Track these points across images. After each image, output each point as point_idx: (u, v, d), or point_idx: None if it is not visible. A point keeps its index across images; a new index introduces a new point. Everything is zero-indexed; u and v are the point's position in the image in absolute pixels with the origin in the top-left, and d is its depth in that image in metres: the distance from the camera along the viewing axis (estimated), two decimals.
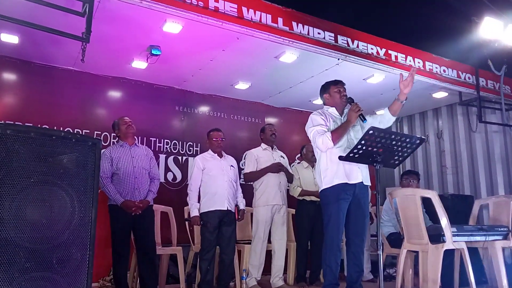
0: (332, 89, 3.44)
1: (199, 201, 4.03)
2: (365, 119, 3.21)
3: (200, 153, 4.50)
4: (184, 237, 4.45)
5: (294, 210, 4.86)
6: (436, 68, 5.18)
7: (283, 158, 4.67)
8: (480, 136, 5.98)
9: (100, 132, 4.91)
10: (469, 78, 5.46)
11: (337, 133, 3.18)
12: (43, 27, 2.89)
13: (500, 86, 5.58)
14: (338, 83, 3.45)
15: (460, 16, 5.36)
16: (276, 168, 4.41)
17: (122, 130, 3.97)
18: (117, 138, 4.10)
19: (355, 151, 2.87)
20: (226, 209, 3.98)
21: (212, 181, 4.03)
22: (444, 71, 5.24)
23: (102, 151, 3.87)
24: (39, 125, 4.40)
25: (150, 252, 3.82)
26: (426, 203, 3.83)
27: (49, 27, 2.92)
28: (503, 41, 5.11)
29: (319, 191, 3.34)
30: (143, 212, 3.76)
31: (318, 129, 3.23)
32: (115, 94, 5.19)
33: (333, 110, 3.41)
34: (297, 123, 5.94)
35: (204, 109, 5.77)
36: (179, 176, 5.39)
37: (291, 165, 4.95)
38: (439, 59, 5.26)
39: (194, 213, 3.96)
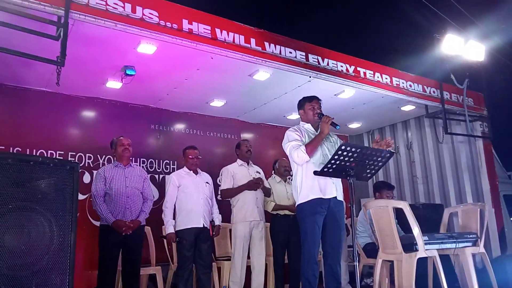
0: (306, 106, 3.54)
1: (174, 218, 4.04)
2: (337, 125, 3.34)
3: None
4: (163, 256, 4.42)
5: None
6: (403, 83, 5.38)
7: (259, 173, 4.72)
8: (447, 147, 6.20)
9: (74, 153, 4.85)
10: (434, 92, 5.69)
11: (311, 145, 3.28)
12: (17, 52, 2.88)
13: (463, 99, 5.84)
14: (312, 100, 3.53)
15: (423, 34, 5.65)
16: (253, 186, 4.46)
17: (118, 151, 4.02)
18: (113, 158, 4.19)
19: (329, 165, 2.98)
20: (202, 226, 4.02)
21: (188, 198, 4.06)
22: (410, 85, 5.45)
23: (97, 170, 4.02)
24: (11, 148, 4.35)
25: (134, 273, 3.80)
26: (398, 213, 3.96)
27: (23, 52, 2.90)
28: (464, 56, 5.40)
29: (296, 205, 3.42)
30: (133, 232, 3.75)
31: (293, 144, 3.32)
32: (89, 114, 5.15)
33: (308, 126, 3.52)
34: (273, 138, 6.06)
35: (180, 126, 5.80)
36: (156, 195, 5.35)
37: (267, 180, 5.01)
38: (405, 74, 5.47)
39: (170, 230, 3.97)
